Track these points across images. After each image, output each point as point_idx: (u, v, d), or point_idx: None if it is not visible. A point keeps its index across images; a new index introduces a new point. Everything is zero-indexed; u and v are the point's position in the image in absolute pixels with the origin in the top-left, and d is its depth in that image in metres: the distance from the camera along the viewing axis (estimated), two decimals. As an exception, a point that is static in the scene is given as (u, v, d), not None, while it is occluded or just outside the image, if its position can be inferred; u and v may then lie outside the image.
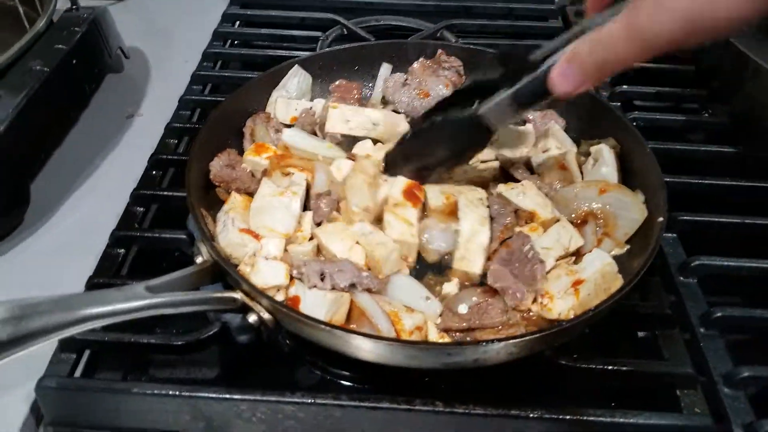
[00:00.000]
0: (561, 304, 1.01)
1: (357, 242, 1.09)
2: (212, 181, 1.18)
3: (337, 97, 1.40)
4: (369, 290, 1.02)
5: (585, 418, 0.91)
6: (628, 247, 1.11)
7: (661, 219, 1.05)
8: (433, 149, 1.16)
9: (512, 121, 1.05)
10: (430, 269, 1.12)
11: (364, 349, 0.89)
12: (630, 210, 1.10)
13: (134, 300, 0.87)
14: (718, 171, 1.34)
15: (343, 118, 1.32)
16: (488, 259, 1.08)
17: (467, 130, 1.10)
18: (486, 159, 1.26)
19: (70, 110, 1.45)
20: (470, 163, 1.26)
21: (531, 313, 1.03)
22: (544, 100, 0.99)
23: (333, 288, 1.01)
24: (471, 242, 1.09)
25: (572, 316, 0.98)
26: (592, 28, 0.88)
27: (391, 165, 1.20)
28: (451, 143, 1.14)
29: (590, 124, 1.29)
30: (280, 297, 1.02)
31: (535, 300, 1.04)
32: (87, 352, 1.03)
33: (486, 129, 1.08)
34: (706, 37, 0.78)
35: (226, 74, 1.70)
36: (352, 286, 1.01)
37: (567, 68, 0.89)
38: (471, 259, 1.07)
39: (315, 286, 1.01)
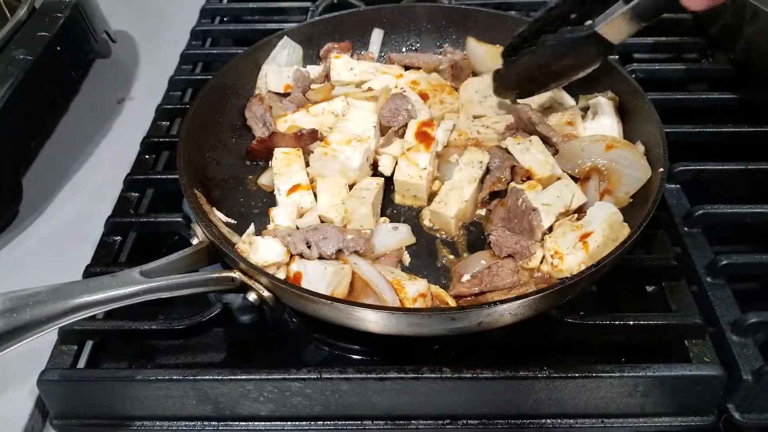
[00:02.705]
0: (571, 259, 0.99)
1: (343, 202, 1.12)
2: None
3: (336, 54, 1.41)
4: (357, 252, 1.02)
5: (594, 375, 0.90)
6: (630, 200, 1.10)
7: (661, 170, 1.04)
8: (547, 67, 1.16)
9: (631, 34, 1.07)
10: (445, 245, 1.13)
11: (367, 320, 0.88)
12: (635, 169, 1.09)
13: (129, 285, 0.86)
14: (722, 119, 1.31)
15: (347, 66, 1.33)
16: (479, 207, 1.16)
17: (584, 47, 1.11)
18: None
19: (58, 98, 1.42)
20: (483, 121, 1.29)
21: (540, 273, 1.02)
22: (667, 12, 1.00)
23: (320, 257, 1.00)
24: (454, 191, 1.13)
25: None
26: None
27: (500, 83, 1.23)
28: (567, 60, 1.15)
29: (585, 79, 1.25)
30: (281, 274, 1.01)
31: (543, 260, 1.03)
32: (89, 344, 1.03)
33: (604, 44, 1.09)
34: None
35: (216, 51, 1.68)
36: (339, 251, 1.01)
37: None
38: (447, 203, 1.12)
39: (301, 255, 1.00)
